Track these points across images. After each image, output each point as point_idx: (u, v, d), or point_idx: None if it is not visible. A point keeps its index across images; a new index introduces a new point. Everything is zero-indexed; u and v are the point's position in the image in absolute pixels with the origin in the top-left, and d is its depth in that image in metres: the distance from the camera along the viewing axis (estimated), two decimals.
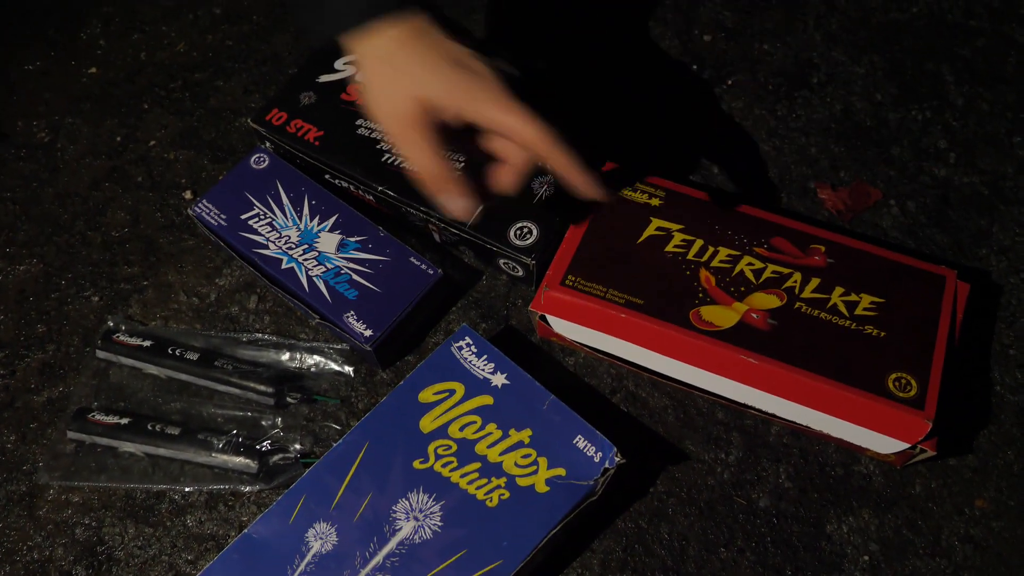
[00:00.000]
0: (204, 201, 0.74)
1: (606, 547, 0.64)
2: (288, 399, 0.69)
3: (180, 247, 0.78)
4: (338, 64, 0.82)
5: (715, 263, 0.69)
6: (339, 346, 0.72)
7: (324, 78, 0.81)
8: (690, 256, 0.69)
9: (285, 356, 0.71)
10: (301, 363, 0.71)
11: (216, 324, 0.74)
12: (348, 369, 0.71)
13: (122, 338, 0.71)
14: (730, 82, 0.86)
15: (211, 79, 0.89)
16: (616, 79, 0.86)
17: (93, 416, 0.68)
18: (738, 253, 0.69)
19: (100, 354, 0.71)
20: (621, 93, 0.85)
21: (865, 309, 0.66)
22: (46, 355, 0.74)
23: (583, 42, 0.89)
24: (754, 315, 0.66)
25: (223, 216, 0.74)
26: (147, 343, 0.70)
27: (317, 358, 0.71)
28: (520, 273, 0.73)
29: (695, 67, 0.87)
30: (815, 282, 0.68)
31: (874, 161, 0.80)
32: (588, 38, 0.89)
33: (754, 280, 0.68)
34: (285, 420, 0.69)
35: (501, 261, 0.73)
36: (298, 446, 0.67)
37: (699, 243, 0.70)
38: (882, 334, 0.65)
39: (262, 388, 0.68)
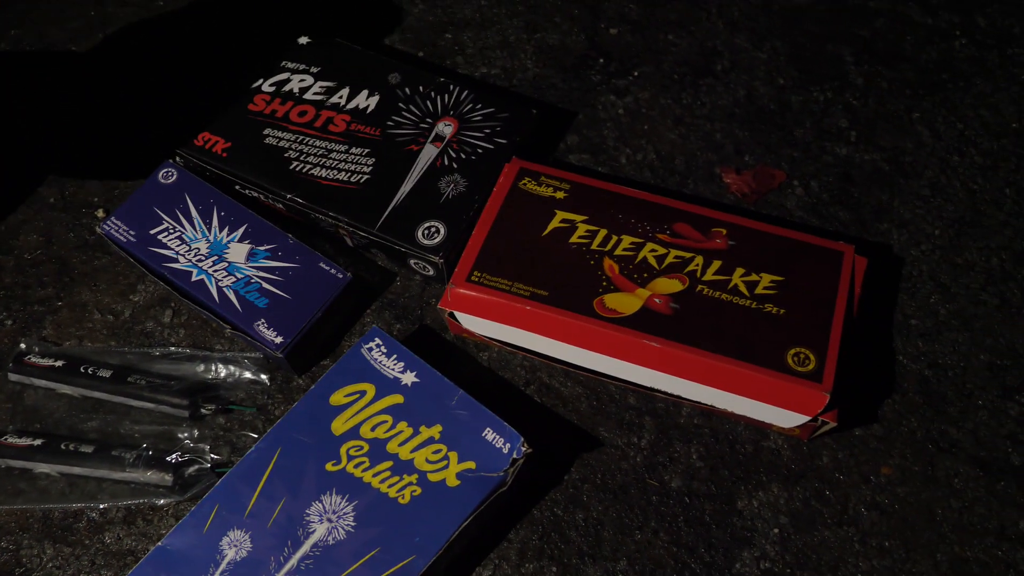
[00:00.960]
0: (112, 218, 0.74)
1: (523, 536, 0.65)
2: (203, 410, 0.69)
3: (93, 266, 0.78)
4: (257, 83, 0.82)
5: (618, 251, 0.70)
6: (254, 355, 0.72)
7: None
8: (594, 246, 0.71)
9: (200, 368, 0.72)
10: (216, 374, 0.72)
11: (131, 340, 0.74)
12: (264, 377, 0.72)
13: (34, 359, 0.71)
14: (636, 74, 0.87)
15: None
16: (523, 75, 0.87)
17: (5, 439, 0.67)
18: (641, 240, 0.71)
19: (12, 377, 0.71)
20: (529, 88, 0.86)
21: (765, 288, 0.68)
22: None
23: (496, 38, 0.90)
24: (657, 300, 0.67)
25: (132, 232, 0.74)
26: (59, 363, 0.70)
27: (232, 368, 0.72)
28: (431, 272, 0.74)
29: (602, 60, 0.88)
30: (716, 264, 0.69)
31: (778, 144, 0.82)
32: (498, 35, 0.90)
33: (657, 266, 0.69)
34: (201, 431, 0.69)
35: (412, 261, 0.74)
36: (213, 456, 0.68)
37: (603, 233, 0.71)
38: (781, 312, 0.66)
39: (175, 401, 0.68)
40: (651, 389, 0.68)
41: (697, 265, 0.69)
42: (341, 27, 0.92)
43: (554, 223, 0.72)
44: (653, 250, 0.70)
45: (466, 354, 0.73)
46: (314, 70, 0.82)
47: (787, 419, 0.64)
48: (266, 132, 0.79)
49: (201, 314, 0.73)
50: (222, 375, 0.71)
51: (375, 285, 0.76)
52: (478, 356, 0.73)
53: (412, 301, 0.76)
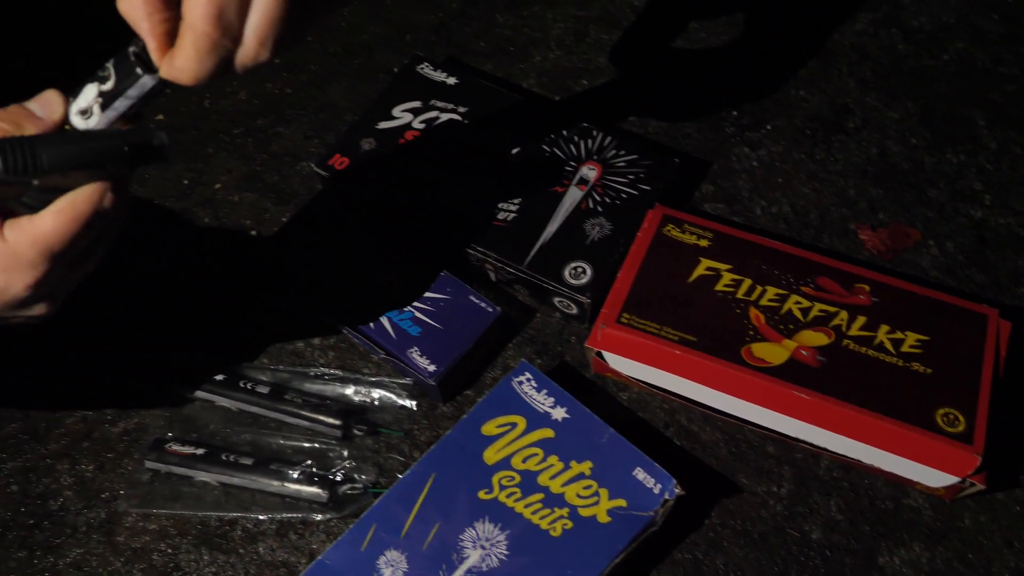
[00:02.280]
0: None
1: None
2: (354, 431, 0.72)
3: None
4: (396, 111, 0.86)
5: (763, 302, 0.72)
6: (402, 380, 0.75)
7: (383, 124, 0.85)
8: (739, 295, 0.72)
9: (350, 390, 0.75)
10: (365, 397, 0.74)
11: (283, 359, 0.77)
12: (410, 403, 0.74)
13: (197, 372, 0.74)
14: (769, 127, 0.89)
15: (272, 125, 0.93)
16: (657, 123, 0.90)
17: (170, 446, 0.71)
18: (785, 292, 0.72)
19: (175, 388, 0.74)
20: (664, 136, 0.89)
21: (911, 347, 0.69)
22: (121, 388, 0.77)
23: (630, 86, 0.93)
24: (804, 352, 0.69)
25: None
26: (220, 376, 0.74)
27: (380, 392, 0.75)
28: (574, 311, 0.76)
29: (735, 112, 0.91)
30: (861, 320, 0.71)
31: (911, 203, 0.83)
32: (634, 85, 0.93)
33: (802, 318, 0.71)
34: (351, 451, 0.72)
35: (556, 299, 0.76)
36: (365, 476, 0.70)
37: (747, 282, 0.73)
38: (928, 371, 0.68)
39: (330, 420, 0.71)
40: (792, 439, 0.70)
41: (842, 320, 0.71)
42: (480, 68, 0.95)
43: (699, 270, 0.74)
44: (798, 302, 0.72)
45: (606, 392, 0.75)
46: (461, 109, 0.86)
47: (934, 478, 0.65)
48: (416, 167, 0.82)
49: (351, 337, 0.76)
50: (371, 398, 0.74)
51: (516, 320, 0.78)
52: (618, 395, 0.75)
53: (552, 338, 0.78)
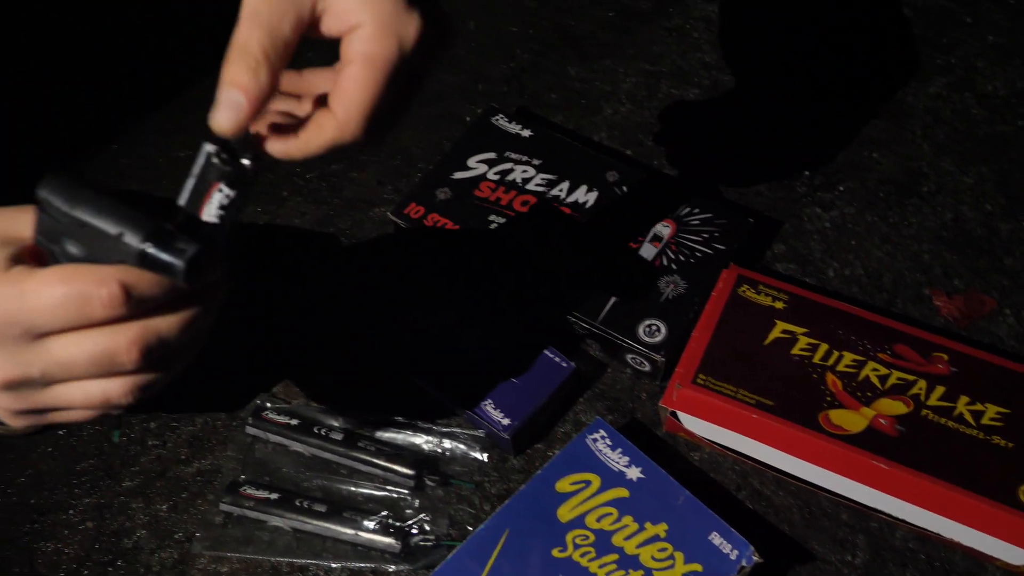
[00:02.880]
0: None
1: None
2: (427, 482, 0.72)
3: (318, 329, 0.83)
4: (471, 162, 0.87)
5: (840, 367, 0.72)
6: (473, 432, 0.75)
7: (458, 175, 0.86)
8: (816, 360, 0.72)
9: (421, 439, 0.75)
10: (436, 447, 0.75)
11: (355, 406, 0.78)
12: (481, 455, 0.74)
13: (271, 416, 0.75)
14: (841, 188, 0.90)
15: (346, 171, 0.95)
16: (730, 181, 0.90)
17: (244, 490, 0.71)
18: (862, 358, 0.72)
19: (249, 430, 0.75)
20: (734, 193, 0.89)
21: (991, 419, 0.68)
22: (195, 428, 0.78)
23: (701, 143, 0.93)
24: (882, 421, 0.68)
25: None
26: (294, 421, 0.75)
27: (451, 443, 0.75)
28: (646, 368, 0.76)
29: (807, 172, 0.91)
30: (940, 390, 0.70)
31: (987, 270, 0.83)
32: (704, 141, 0.93)
33: (880, 386, 0.70)
34: (422, 502, 0.72)
35: (629, 356, 0.77)
36: (437, 528, 0.70)
37: (824, 347, 0.73)
38: (1010, 445, 0.67)
39: (405, 470, 0.72)
40: (868, 507, 0.69)
41: (920, 389, 0.70)
42: (551, 119, 0.96)
43: (775, 333, 0.74)
44: (875, 369, 0.71)
45: (677, 452, 0.75)
46: (536, 162, 0.87)
47: (1014, 555, 0.64)
48: (491, 218, 0.83)
49: (423, 386, 0.77)
50: (442, 449, 0.75)
51: (587, 374, 0.79)
52: (689, 455, 0.74)
53: (623, 394, 0.78)
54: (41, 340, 0.42)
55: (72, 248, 0.42)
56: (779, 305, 0.76)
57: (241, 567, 0.71)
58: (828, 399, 0.70)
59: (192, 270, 0.42)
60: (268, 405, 0.76)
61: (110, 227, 0.41)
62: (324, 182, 0.94)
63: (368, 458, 0.72)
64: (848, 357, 0.72)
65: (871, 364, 0.72)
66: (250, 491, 0.71)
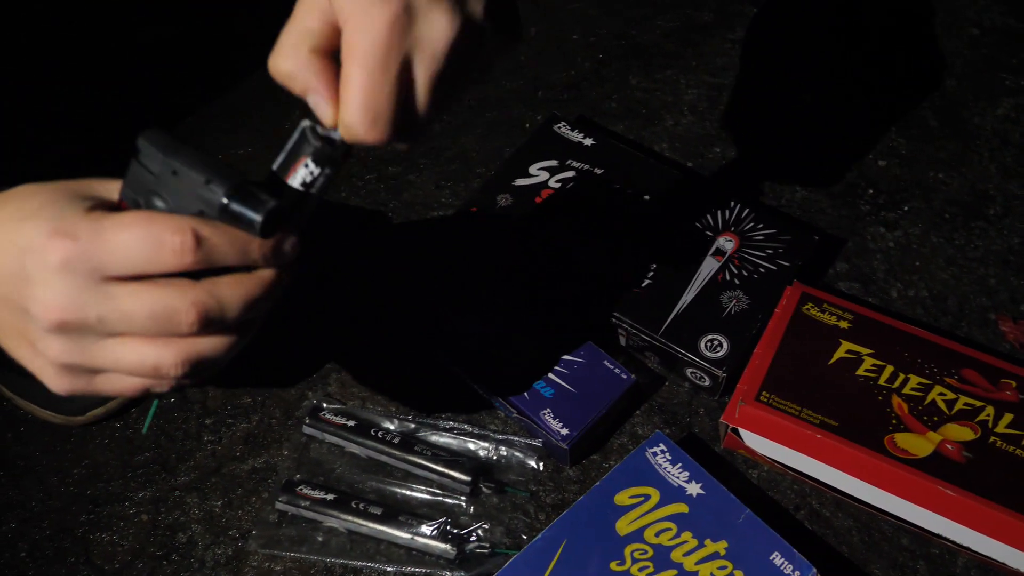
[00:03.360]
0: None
1: None
2: (482, 488, 0.72)
3: (376, 331, 0.83)
4: (532, 169, 0.87)
5: (906, 390, 0.70)
6: (529, 440, 0.75)
7: (519, 181, 0.86)
8: (881, 382, 0.71)
9: (476, 445, 0.75)
10: (491, 454, 0.74)
11: (410, 409, 0.78)
12: (536, 463, 0.74)
13: (328, 416, 0.75)
14: (906, 208, 0.88)
15: (404, 173, 0.95)
16: (790, 195, 0.89)
17: (301, 489, 0.71)
18: (929, 382, 0.71)
19: (306, 430, 0.75)
20: (797, 210, 0.88)
21: None
22: (250, 425, 0.78)
23: (763, 156, 0.92)
24: (949, 446, 0.67)
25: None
26: (351, 423, 0.74)
27: (507, 450, 0.74)
28: (706, 383, 0.76)
29: (871, 191, 0.90)
30: (1008, 417, 0.69)
31: None
32: (767, 155, 0.93)
33: (947, 411, 0.69)
34: (476, 509, 0.72)
35: (688, 370, 0.76)
36: (491, 536, 0.70)
37: (889, 369, 0.72)
38: None
39: (459, 476, 0.71)
40: (931, 533, 0.68)
41: (988, 415, 0.69)
42: (611, 128, 0.96)
43: (839, 353, 0.73)
44: (942, 394, 0.70)
45: (735, 468, 0.74)
46: (597, 171, 0.86)
47: None
48: (552, 227, 0.82)
49: (480, 392, 0.77)
50: (498, 456, 0.74)
51: (645, 387, 0.78)
52: (747, 472, 0.73)
53: (680, 408, 0.77)
54: (106, 284, 0.41)
55: (158, 203, 0.43)
56: (844, 324, 0.75)
57: (294, 566, 0.71)
58: (894, 422, 0.69)
59: (269, 224, 0.42)
60: (325, 405, 0.76)
61: (199, 174, 0.42)
62: (382, 184, 0.94)
63: (424, 462, 0.72)
64: (914, 380, 0.71)
65: (938, 388, 0.71)
66: (307, 491, 0.71)
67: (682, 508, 0.67)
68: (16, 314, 0.43)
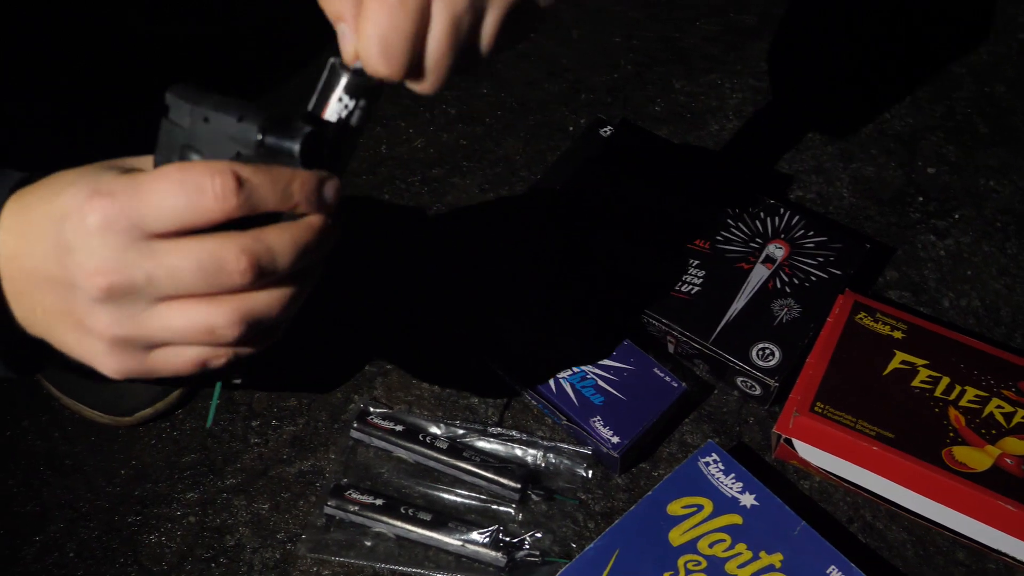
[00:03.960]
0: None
1: None
2: (532, 495, 0.72)
3: (422, 334, 0.83)
4: (576, 172, 0.86)
5: (963, 403, 0.70)
6: (577, 448, 0.74)
7: (564, 185, 0.85)
8: (937, 393, 0.70)
9: (524, 452, 0.74)
10: (540, 461, 0.74)
11: (456, 414, 0.77)
12: (585, 471, 0.74)
13: (375, 420, 0.75)
14: (956, 216, 0.87)
15: (447, 176, 0.94)
16: (839, 202, 0.88)
17: (350, 494, 0.71)
18: (986, 394, 0.70)
19: (354, 434, 0.75)
20: (845, 217, 0.87)
21: None
22: (296, 428, 0.78)
23: (811, 163, 0.91)
24: (1008, 460, 0.66)
25: None
26: (399, 427, 0.74)
27: (556, 457, 0.74)
28: (757, 392, 0.75)
29: (920, 199, 0.89)
30: None
31: None
32: (813, 160, 0.92)
33: (1005, 424, 0.68)
34: (525, 516, 0.71)
35: (739, 379, 0.75)
36: (540, 543, 0.70)
37: (946, 380, 0.71)
38: None
39: (511, 483, 0.71)
40: (987, 547, 0.67)
41: None
42: (655, 132, 0.95)
43: (894, 363, 0.72)
44: (1000, 406, 0.69)
45: (785, 479, 0.73)
46: (643, 176, 0.86)
47: None
48: (599, 232, 0.82)
49: (528, 399, 0.76)
50: (547, 463, 0.74)
51: (693, 395, 0.77)
52: (799, 483, 0.73)
53: (730, 417, 0.77)
54: (149, 242, 0.40)
55: (193, 157, 0.42)
56: (897, 335, 0.74)
57: (342, 571, 0.70)
58: (951, 435, 0.68)
59: (308, 150, 0.41)
60: (372, 409, 0.76)
61: (231, 115, 0.40)
62: (426, 187, 0.94)
63: (473, 468, 0.72)
64: (971, 392, 0.70)
65: (995, 401, 0.70)
66: (355, 495, 0.71)
67: (736, 519, 0.66)
68: (60, 293, 0.41)
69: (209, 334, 0.42)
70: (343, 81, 0.44)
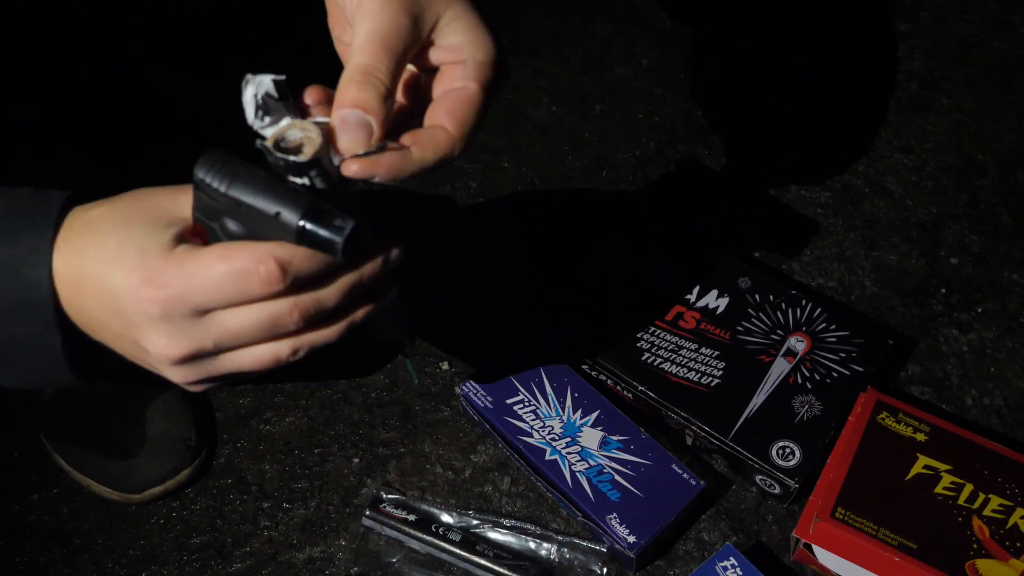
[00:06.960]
0: (471, 381, 0.78)
1: None
2: None
3: (436, 417, 0.82)
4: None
5: (987, 512, 0.68)
6: (593, 544, 0.73)
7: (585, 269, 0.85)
8: (960, 501, 0.69)
9: (537, 545, 0.73)
10: (554, 555, 0.73)
11: (470, 502, 0.76)
12: (600, 567, 0.72)
13: (388, 509, 0.74)
14: (980, 309, 0.86)
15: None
16: (860, 291, 0.87)
17: None
18: (1011, 504, 0.69)
19: (366, 522, 0.74)
20: (866, 306, 0.86)
21: None
22: (308, 511, 0.77)
23: (833, 250, 0.91)
24: None
25: (489, 398, 0.77)
26: (412, 517, 0.73)
27: (571, 553, 0.73)
28: (776, 491, 0.74)
29: (943, 290, 0.88)
30: None
31: None
32: (835, 247, 0.91)
33: None
34: None
35: (758, 477, 0.74)
36: None
37: (969, 488, 0.70)
38: None
39: None
40: None
41: None
42: None
43: (917, 467, 0.71)
44: None
45: None
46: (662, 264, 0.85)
47: None
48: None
49: (542, 490, 0.75)
50: (563, 557, 0.73)
51: (711, 490, 0.76)
52: None
53: (748, 514, 0.75)
54: (209, 315, 0.43)
55: (231, 225, 0.43)
56: (920, 437, 0.73)
57: None
58: (975, 547, 0.66)
59: (350, 245, 0.42)
60: (384, 496, 0.75)
61: (267, 206, 0.41)
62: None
63: (486, 563, 0.71)
64: (995, 501, 0.69)
65: (1020, 511, 0.68)
66: None
67: None
68: (135, 347, 0.45)
69: (275, 360, 0.46)
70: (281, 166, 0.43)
